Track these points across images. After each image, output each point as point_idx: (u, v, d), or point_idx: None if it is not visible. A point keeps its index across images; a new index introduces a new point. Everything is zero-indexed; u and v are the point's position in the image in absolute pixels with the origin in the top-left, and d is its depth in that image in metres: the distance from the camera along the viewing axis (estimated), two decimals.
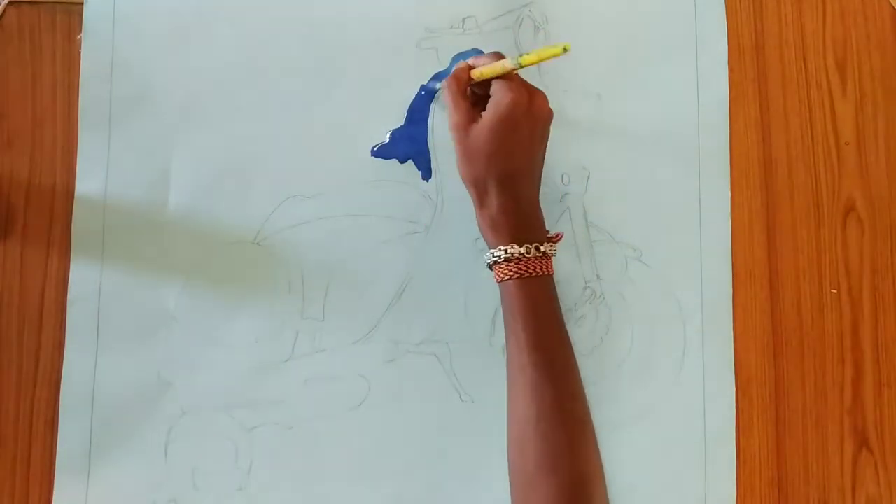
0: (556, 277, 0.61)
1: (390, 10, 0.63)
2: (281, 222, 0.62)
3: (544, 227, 0.55)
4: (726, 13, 0.64)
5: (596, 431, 0.59)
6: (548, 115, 0.53)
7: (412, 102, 0.63)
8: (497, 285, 0.53)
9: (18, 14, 0.62)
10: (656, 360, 0.62)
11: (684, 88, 0.64)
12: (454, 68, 0.57)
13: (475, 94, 0.57)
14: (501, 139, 0.51)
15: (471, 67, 0.56)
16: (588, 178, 0.63)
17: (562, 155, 0.63)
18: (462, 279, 0.62)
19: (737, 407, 0.61)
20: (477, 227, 0.62)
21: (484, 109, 0.53)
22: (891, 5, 0.65)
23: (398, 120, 0.63)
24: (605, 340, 0.62)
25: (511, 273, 0.51)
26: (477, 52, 0.63)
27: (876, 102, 0.64)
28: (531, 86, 0.53)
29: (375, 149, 0.62)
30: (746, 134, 0.64)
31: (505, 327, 0.53)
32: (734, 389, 0.61)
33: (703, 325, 0.62)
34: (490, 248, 0.53)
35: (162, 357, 0.60)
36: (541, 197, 0.62)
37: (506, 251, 0.51)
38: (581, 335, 0.62)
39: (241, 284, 0.61)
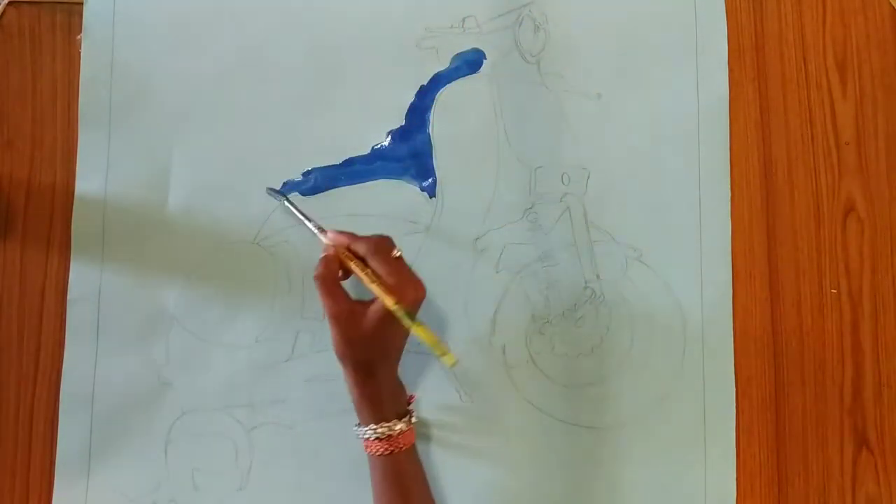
0: (556, 277, 0.62)
1: (390, 10, 0.63)
2: (281, 222, 0.62)
3: (405, 393, 0.57)
4: (726, 13, 0.64)
5: (597, 432, 0.59)
6: (423, 299, 0.54)
7: (411, 103, 0.63)
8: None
9: (18, 14, 0.63)
10: (656, 359, 0.62)
11: (684, 88, 0.64)
12: (321, 258, 0.55)
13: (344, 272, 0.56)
14: (383, 331, 0.53)
15: (339, 248, 0.55)
16: (588, 178, 0.63)
17: (562, 155, 0.63)
18: (462, 279, 0.62)
19: (737, 407, 0.61)
20: (478, 227, 0.62)
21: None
22: (891, 5, 0.65)
23: (398, 120, 0.63)
24: (605, 340, 0.62)
25: (386, 448, 0.54)
26: (477, 53, 0.63)
27: (876, 102, 0.64)
28: (413, 275, 0.54)
29: (375, 149, 0.62)
30: (746, 134, 0.64)
31: (375, 497, 0.56)
32: (734, 389, 0.61)
33: (703, 325, 0.62)
34: (364, 425, 0.55)
35: (162, 357, 0.60)
36: (541, 197, 0.62)
37: (389, 428, 0.54)
38: (581, 335, 0.62)
39: (241, 284, 0.61)
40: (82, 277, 0.61)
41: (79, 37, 0.62)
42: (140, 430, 0.60)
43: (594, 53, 0.64)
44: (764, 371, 0.62)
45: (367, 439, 0.55)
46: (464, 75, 0.63)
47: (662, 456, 0.61)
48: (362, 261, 0.55)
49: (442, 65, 0.63)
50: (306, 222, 0.58)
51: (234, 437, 0.60)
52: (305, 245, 0.61)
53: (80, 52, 0.62)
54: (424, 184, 0.62)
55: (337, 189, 0.62)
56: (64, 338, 0.60)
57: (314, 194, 0.62)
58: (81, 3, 0.62)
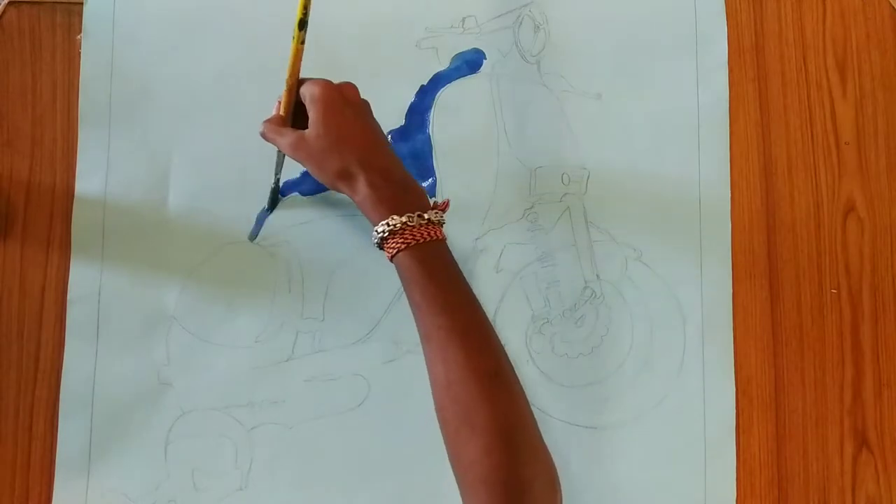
0: (556, 278, 0.62)
1: (390, 11, 0.63)
2: (281, 222, 0.62)
3: (425, 197, 0.54)
4: (726, 13, 0.64)
5: (597, 432, 0.59)
6: (357, 95, 0.53)
7: (411, 103, 0.63)
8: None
9: (18, 14, 0.63)
10: (656, 360, 0.62)
11: (684, 88, 0.64)
12: (265, 120, 0.56)
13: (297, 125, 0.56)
14: (334, 126, 0.51)
15: (277, 109, 0.56)
16: (588, 178, 0.63)
17: (562, 155, 0.63)
18: None
19: (737, 407, 0.61)
20: (478, 227, 0.62)
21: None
22: (891, 5, 0.65)
23: (398, 120, 0.63)
24: (605, 340, 0.62)
25: (399, 245, 0.50)
26: (477, 53, 0.63)
27: (876, 102, 0.64)
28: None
29: None
30: (746, 134, 0.64)
31: (409, 301, 0.51)
32: (734, 389, 0.61)
33: (703, 325, 0.62)
34: (374, 228, 0.52)
35: (162, 357, 0.60)
36: (541, 197, 0.62)
37: (388, 224, 0.50)
38: (581, 335, 0.62)
39: (241, 284, 0.61)
40: (82, 277, 0.61)
41: (79, 37, 0.62)
42: (140, 431, 0.60)
43: (594, 53, 0.64)
44: (764, 371, 0.62)
45: (377, 244, 0.52)
46: (464, 75, 0.63)
47: (662, 456, 0.61)
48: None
49: (442, 65, 0.63)
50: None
51: (234, 437, 0.60)
52: (305, 245, 0.61)
53: (80, 52, 0.62)
54: (424, 184, 0.62)
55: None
56: (64, 338, 0.60)
57: (314, 194, 0.62)
58: (81, 3, 0.62)
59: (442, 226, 0.53)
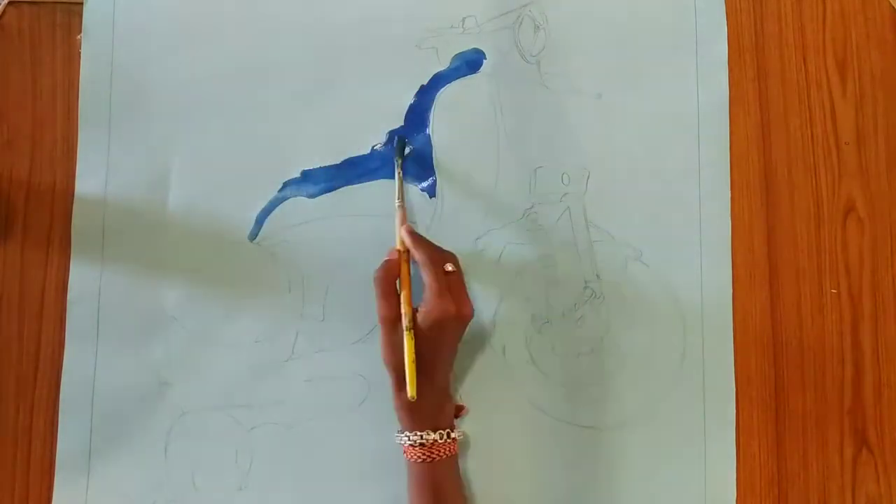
0: (555, 278, 0.62)
1: (390, 10, 0.63)
2: (281, 222, 0.62)
3: (453, 406, 0.58)
4: (726, 13, 0.64)
5: (597, 432, 0.59)
6: (469, 318, 0.56)
7: (411, 103, 0.63)
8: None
9: (18, 14, 0.63)
10: (656, 360, 0.62)
11: (684, 88, 0.64)
12: (385, 260, 0.57)
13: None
14: (425, 340, 0.54)
15: (400, 251, 0.58)
16: (588, 178, 0.63)
17: (562, 155, 0.63)
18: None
19: (737, 407, 0.61)
20: (478, 227, 0.62)
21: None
22: (891, 5, 0.65)
23: (398, 120, 0.63)
24: (605, 340, 0.62)
25: (423, 457, 0.55)
26: (477, 53, 0.63)
27: (876, 102, 0.64)
28: (460, 293, 0.56)
29: (375, 149, 0.62)
30: (746, 134, 0.64)
31: (410, 499, 0.56)
32: (734, 389, 0.61)
33: (703, 325, 0.62)
34: (404, 431, 0.56)
35: (161, 357, 0.60)
36: (541, 197, 0.62)
37: (421, 437, 0.55)
38: (581, 335, 0.62)
39: (241, 284, 0.61)
40: (82, 277, 0.61)
41: (79, 37, 0.62)
42: (140, 430, 0.60)
43: (594, 53, 0.64)
44: (764, 371, 0.62)
45: (403, 445, 0.56)
46: (464, 75, 0.63)
47: (662, 456, 0.61)
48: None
49: (442, 65, 0.63)
50: (396, 200, 0.60)
51: (234, 437, 0.60)
52: (305, 245, 0.61)
53: (80, 52, 0.62)
54: (424, 184, 0.62)
55: (337, 189, 0.62)
56: (64, 338, 0.60)
57: (314, 195, 0.62)
58: (81, 3, 0.62)
59: (451, 438, 0.56)
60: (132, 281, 0.61)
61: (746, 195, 0.63)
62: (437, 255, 0.56)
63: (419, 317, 0.55)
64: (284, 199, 0.62)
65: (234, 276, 0.61)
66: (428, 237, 0.58)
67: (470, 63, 0.63)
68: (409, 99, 0.63)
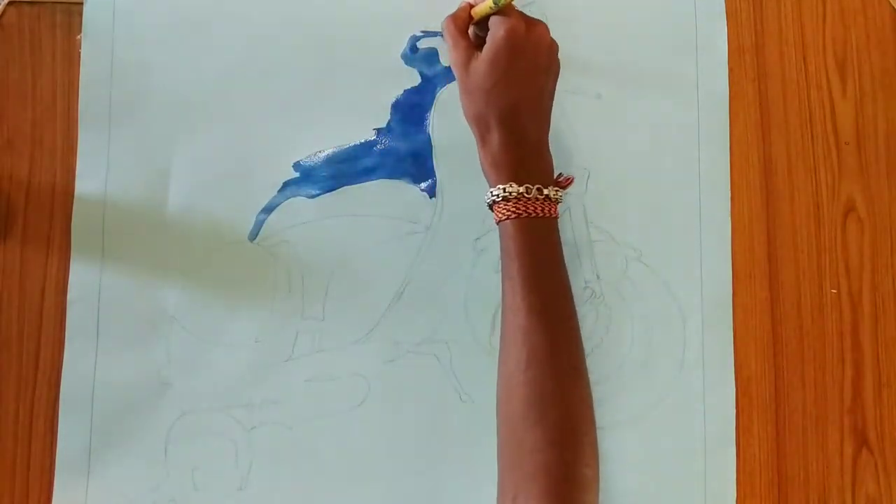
0: None
1: (390, 10, 0.63)
2: (281, 222, 0.62)
3: (551, 170, 0.53)
4: (726, 13, 0.64)
5: (597, 434, 0.59)
6: (549, 44, 0.51)
7: (411, 103, 0.62)
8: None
9: (18, 14, 0.63)
10: (656, 360, 0.62)
11: (684, 88, 0.64)
12: (457, 9, 0.55)
13: (478, 37, 0.55)
14: (500, 71, 0.49)
15: (472, 6, 0.55)
16: (588, 178, 0.63)
17: (562, 155, 0.63)
18: (462, 279, 0.62)
19: (737, 407, 0.61)
20: (478, 227, 0.62)
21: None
22: (891, 5, 0.65)
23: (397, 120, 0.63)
24: (605, 340, 0.62)
25: (509, 213, 0.49)
26: None
27: (876, 102, 0.64)
28: (529, 17, 0.52)
29: (375, 149, 0.62)
30: (746, 134, 0.64)
31: (501, 270, 0.51)
32: (734, 389, 0.61)
33: (703, 324, 0.62)
34: (490, 188, 0.51)
35: (162, 357, 0.60)
36: None
37: (504, 189, 0.50)
38: (581, 335, 0.62)
39: (241, 284, 0.61)
40: (82, 277, 0.61)
41: (79, 37, 0.62)
42: (140, 430, 0.60)
43: (594, 53, 0.64)
44: (764, 371, 0.62)
45: (488, 204, 0.51)
46: None
47: (662, 456, 0.61)
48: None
49: (442, 65, 0.63)
50: None
51: (234, 437, 0.60)
52: (305, 245, 0.61)
53: (80, 52, 0.62)
54: (424, 184, 0.62)
55: (337, 189, 0.62)
56: (64, 338, 0.60)
57: (314, 195, 0.62)
58: (81, 3, 0.62)
59: (559, 203, 0.51)
60: (132, 281, 0.61)
61: (746, 195, 0.63)
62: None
63: (486, 45, 0.50)
64: (284, 199, 0.62)
65: (234, 276, 0.61)
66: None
67: None
68: (409, 99, 0.63)
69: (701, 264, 0.62)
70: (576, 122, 0.63)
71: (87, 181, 0.61)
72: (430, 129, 0.63)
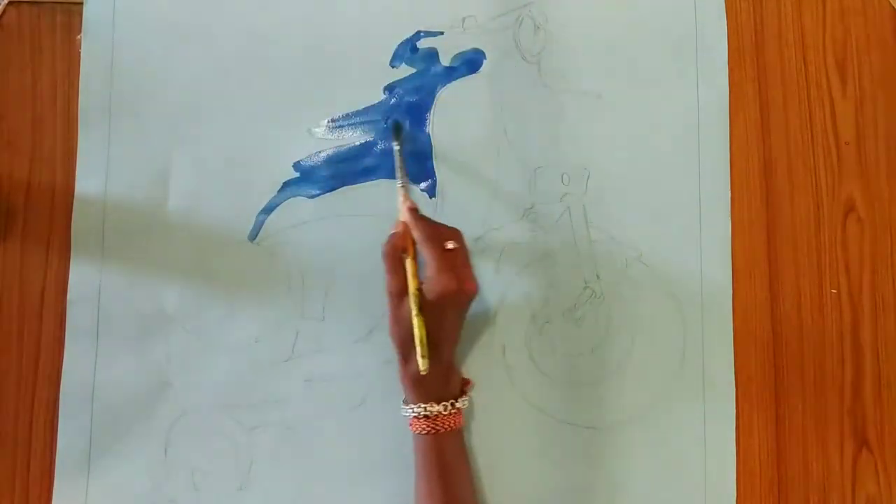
0: (556, 278, 0.62)
1: (390, 10, 0.63)
2: (281, 222, 0.62)
3: (459, 380, 0.58)
4: (726, 13, 0.64)
5: (597, 432, 0.59)
6: (473, 294, 0.56)
7: (411, 103, 0.62)
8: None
9: (18, 14, 0.63)
10: (656, 359, 0.62)
11: (684, 88, 0.64)
12: (391, 235, 0.57)
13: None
14: (428, 315, 0.54)
15: (405, 223, 0.57)
16: (588, 178, 0.63)
17: (562, 155, 0.63)
18: None
19: (737, 407, 0.61)
20: (478, 227, 0.62)
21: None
22: (891, 5, 0.65)
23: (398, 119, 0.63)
24: (605, 340, 0.62)
25: (428, 428, 0.55)
26: (477, 53, 0.63)
27: (876, 102, 0.64)
28: (462, 269, 0.55)
29: (375, 149, 0.62)
30: (746, 134, 0.64)
31: (416, 473, 0.56)
32: (734, 389, 0.61)
33: (703, 325, 0.62)
34: (409, 404, 0.56)
35: (162, 357, 0.60)
36: (541, 197, 0.62)
37: (425, 409, 0.55)
38: (581, 335, 0.62)
39: (241, 284, 0.61)
40: (82, 277, 0.61)
41: (79, 37, 0.62)
42: (140, 430, 0.60)
43: (595, 53, 0.64)
44: (764, 371, 0.62)
45: (409, 417, 0.56)
46: (464, 75, 0.63)
47: (662, 456, 0.61)
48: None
49: (442, 65, 0.63)
50: (398, 182, 0.59)
51: (234, 437, 0.60)
52: (305, 245, 0.61)
53: (80, 52, 0.62)
54: (424, 184, 0.62)
55: (337, 189, 0.62)
56: (64, 338, 0.60)
57: (314, 195, 0.62)
58: (81, 3, 0.62)
59: (462, 411, 0.57)
60: (132, 281, 0.61)
61: (746, 195, 0.63)
62: (436, 232, 0.56)
63: (423, 292, 0.55)
64: (284, 199, 0.62)
65: (234, 276, 0.61)
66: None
67: (470, 63, 0.63)
68: (409, 99, 0.63)
69: (701, 264, 0.62)
70: (576, 122, 0.63)
71: (87, 181, 0.61)
72: (430, 129, 0.63)
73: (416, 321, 0.54)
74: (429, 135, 0.63)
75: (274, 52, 0.63)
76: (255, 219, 0.62)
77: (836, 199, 0.64)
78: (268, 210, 0.62)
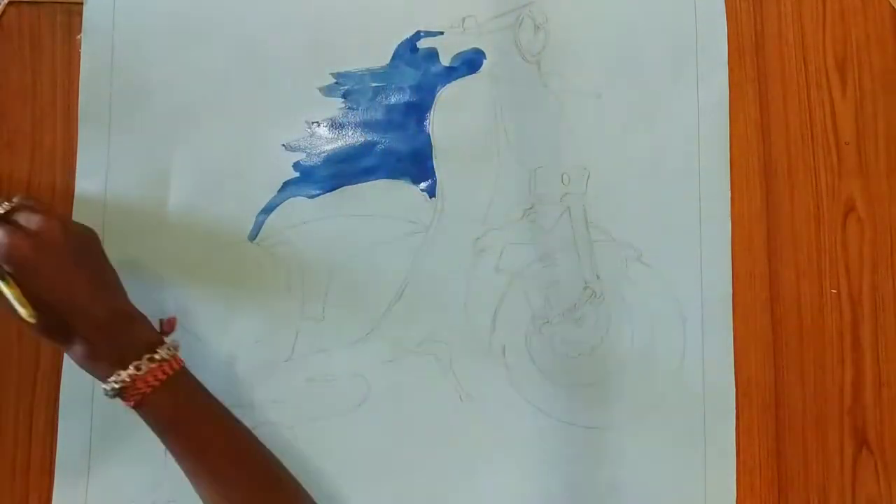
0: (556, 278, 0.62)
1: (389, 10, 0.63)
2: (281, 222, 0.62)
3: (147, 328, 0.52)
4: (726, 13, 0.64)
5: (597, 432, 0.59)
6: (60, 239, 0.48)
7: (411, 103, 0.62)
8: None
9: (18, 14, 0.62)
10: (656, 359, 0.62)
11: (684, 88, 0.64)
12: None
13: None
14: (32, 286, 0.48)
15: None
16: (588, 178, 0.63)
17: (562, 155, 0.63)
18: (462, 279, 0.62)
19: (737, 407, 0.61)
20: (478, 227, 0.62)
21: None
22: (891, 5, 0.65)
23: (398, 120, 0.63)
24: (605, 340, 0.62)
25: (135, 395, 0.49)
26: (477, 53, 0.63)
27: (876, 102, 0.64)
28: (31, 223, 0.49)
29: (375, 149, 0.62)
30: (746, 134, 0.64)
31: (171, 455, 0.52)
32: (734, 389, 0.61)
33: (703, 325, 0.62)
34: (103, 384, 0.50)
35: None
36: (541, 197, 0.62)
37: (116, 380, 0.49)
38: (581, 335, 0.62)
39: (241, 284, 0.61)
40: None
41: (79, 37, 0.62)
42: (140, 430, 0.59)
43: (594, 53, 0.64)
44: (764, 371, 0.62)
45: (111, 397, 0.50)
46: (464, 75, 0.63)
47: (662, 456, 0.61)
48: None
49: (442, 65, 0.63)
50: None
51: None
52: (305, 245, 0.61)
53: (80, 52, 0.62)
54: (424, 184, 0.62)
55: (337, 189, 0.62)
56: None
57: (314, 195, 0.62)
58: (81, 3, 0.62)
59: (176, 350, 0.51)
60: (132, 281, 0.61)
61: (746, 195, 0.63)
62: None
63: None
64: (284, 199, 0.62)
65: (234, 276, 0.61)
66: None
67: (470, 63, 0.63)
68: (409, 99, 0.63)
69: (701, 264, 0.62)
70: (576, 122, 0.63)
71: (87, 181, 0.61)
72: (430, 129, 0.63)
73: (3, 288, 0.47)
74: (429, 135, 0.63)
75: (272, 52, 0.63)
76: (255, 219, 0.62)
77: (836, 199, 0.64)
78: (268, 210, 0.62)
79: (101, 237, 0.61)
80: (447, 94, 0.63)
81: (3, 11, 0.62)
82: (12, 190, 0.61)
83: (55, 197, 0.61)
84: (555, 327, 0.62)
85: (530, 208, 0.62)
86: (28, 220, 0.49)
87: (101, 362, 0.50)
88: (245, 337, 0.61)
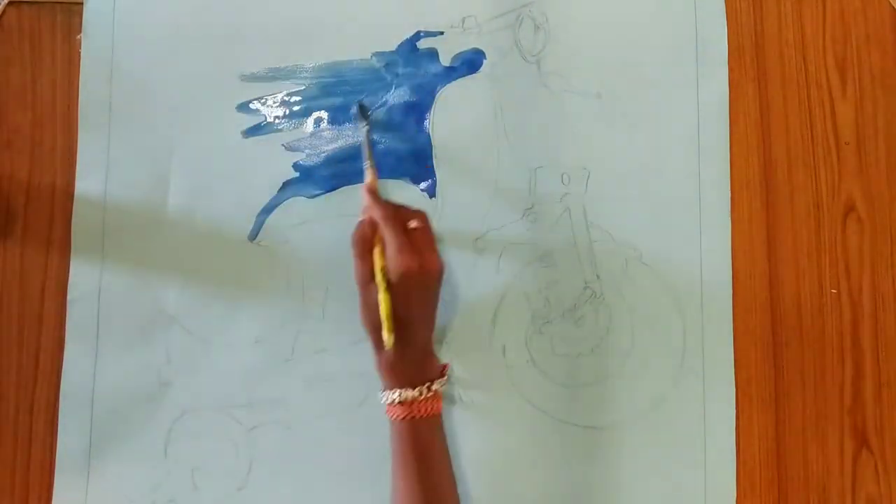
0: (556, 278, 0.62)
1: (390, 11, 0.63)
2: (281, 222, 0.62)
3: (436, 364, 0.57)
4: (726, 13, 0.64)
5: (596, 432, 0.59)
6: (438, 273, 0.55)
7: (411, 103, 0.62)
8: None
9: (18, 14, 0.63)
10: (656, 360, 0.62)
11: (684, 88, 0.64)
12: (359, 222, 0.56)
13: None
14: (395, 297, 0.53)
15: (374, 223, 0.56)
16: (588, 178, 0.63)
17: (562, 155, 0.63)
18: (462, 279, 0.62)
19: (737, 407, 0.61)
20: (478, 227, 0.62)
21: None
22: (891, 5, 0.65)
23: (398, 121, 0.63)
24: (605, 340, 0.62)
25: (403, 414, 0.54)
26: (477, 53, 0.63)
27: (876, 102, 0.64)
28: (424, 249, 0.54)
29: (375, 149, 0.62)
30: (746, 134, 0.64)
31: (393, 462, 0.55)
32: (734, 389, 0.61)
33: (703, 325, 0.62)
34: (385, 390, 0.55)
35: (162, 357, 0.60)
36: (541, 197, 0.62)
37: (399, 394, 0.54)
38: (581, 335, 0.62)
39: (242, 284, 0.61)
40: (82, 277, 0.61)
41: (79, 37, 0.62)
42: (140, 430, 0.60)
43: (594, 53, 0.64)
44: (764, 371, 0.62)
45: (385, 403, 0.55)
46: (464, 75, 0.63)
47: (662, 456, 0.61)
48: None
49: (442, 65, 0.63)
50: (365, 160, 0.59)
51: (234, 437, 0.60)
52: (305, 245, 0.61)
53: (80, 52, 0.62)
54: (424, 184, 0.62)
55: (337, 189, 0.62)
56: (64, 338, 0.60)
57: (315, 195, 0.62)
58: (81, 3, 0.62)
59: (441, 396, 0.56)
60: (132, 281, 0.61)
61: (746, 195, 0.63)
62: (397, 212, 0.55)
63: (387, 272, 0.54)
64: (284, 199, 0.62)
65: (234, 276, 0.61)
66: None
67: (470, 63, 0.63)
68: (409, 99, 0.63)
69: (701, 264, 0.62)
70: (576, 122, 0.63)
71: (87, 181, 0.61)
72: (429, 129, 0.63)
73: (381, 296, 0.52)
74: (429, 135, 0.63)
75: (272, 52, 0.63)
76: (255, 219, 0.62)
77: (836, 199, 0.64)
78: (268, 210, 0.62)
79: (101, 237, 0.61)
80: (447, 94, 0.63)
81: (3, 11, 0.62)
82: (12, 190, 0.61)
83: (55, 197, 0.61)
84: (555, 327, 0.62)
85: (530, 208, 0.62)
86: (420, 239, 0.55)
87: (402, 376, 0.55)
88: (245, 337, 0.61)
